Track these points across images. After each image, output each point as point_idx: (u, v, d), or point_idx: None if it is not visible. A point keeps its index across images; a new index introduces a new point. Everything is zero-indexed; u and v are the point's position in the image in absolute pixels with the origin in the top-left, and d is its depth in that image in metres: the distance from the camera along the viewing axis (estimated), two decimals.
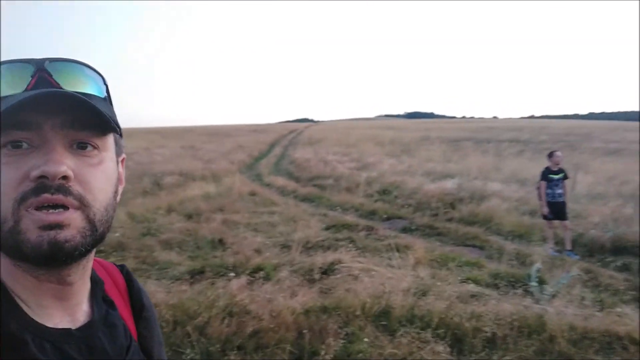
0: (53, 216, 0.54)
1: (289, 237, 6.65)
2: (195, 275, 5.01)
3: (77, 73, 0.61)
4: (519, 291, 4.57)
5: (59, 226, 0.54)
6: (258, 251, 5.95)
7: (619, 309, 4.14)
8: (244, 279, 4.54)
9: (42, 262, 0.55)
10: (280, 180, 13.74)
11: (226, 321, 3.60)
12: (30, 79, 0.57)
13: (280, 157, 23.09)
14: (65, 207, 0.55)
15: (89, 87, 0.62)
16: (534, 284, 4.61)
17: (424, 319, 3.81)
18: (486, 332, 3.59)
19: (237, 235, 6.87)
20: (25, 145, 0.55)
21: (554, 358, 3.38)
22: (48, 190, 0.53)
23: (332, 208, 9.44)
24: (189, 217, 8.16)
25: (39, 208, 0.54)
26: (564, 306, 4.06)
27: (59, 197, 0.54)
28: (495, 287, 4.83)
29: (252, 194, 10.96)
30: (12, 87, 0.56)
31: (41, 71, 0.58)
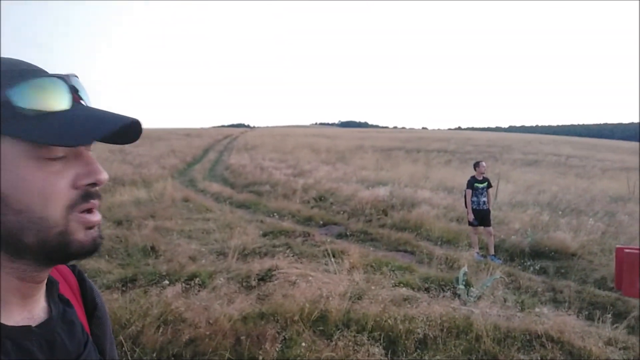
0: (95, 218, 0.63)
1: (225, 244, 6.56)
2: (127, 283, 4.82)
3: (83, 87, 0.66)
4: (448, 294, 4.80)
5: (97, 226, 0.64)
6: (193, 258, 5.82)
7: (537, 309, 4.46)
8: (178, 287, 4.42)
9: (83, 257, 0.63)
10: (215, 186, 13.51)
11: (161, 330, 3.51)
12: (69, 95, 0.60)
13: (215, 162, 22.69)
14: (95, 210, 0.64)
15: (88, 100, 0.67)
16: (461, 287, 4.85)
17: (360, 322, 3.91)
18: (418, 333, 3.74)
19: (170, 242, 6.68)
20: (60, 154, 0.59)
21: (480, 357, 3.59)
22: (93, 197, 0.62)
23: (269, 214, 9.43)
24: (119, 223, 7.83)
25: (82, 211, 0.61)
26: (489, 307, 4.32)
27: (97, 202, 0.63)
28: (426, 290, 5.04)
29: (186, 200, 10.70)
30: (61, 102, 0.59)
31: (72, 87, 0.62)
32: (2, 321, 0.59)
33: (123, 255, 6.08)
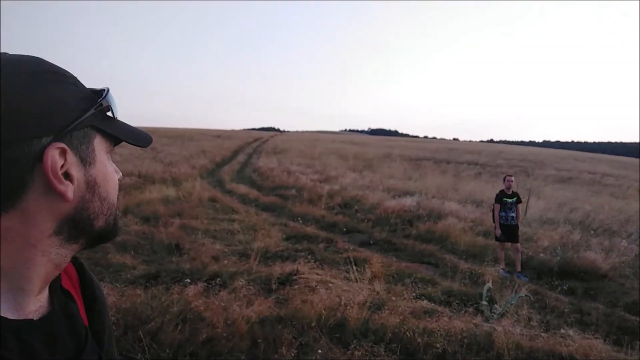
0: None
1: (248, 246, 6.61)
2: (150, 279, 4.91)
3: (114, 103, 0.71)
4: (470, 309, 4.70)
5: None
6: (216, 258, 5.88)
7: (563, 331, 4.31)
8: (200, 286, 4.47)
9: (110, 240, 0.71)
10: (242, 188, 13.64)
11: (179, 327, 3.55)
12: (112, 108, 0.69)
13: (244, 164, 22.92)
14: None
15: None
16: (484, 303, 4.75)
17: (378, 332, 3.86)
18: (437, 347, 3.67)
19: (194, 241, 6.77)
20: None
21: None
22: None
23: (293, 218, 9.45)
24: (146, 220, 7.98)
25: None
26: (512, 326, 4.20)
27: None
28: (448, 304, 4.95)
29: (213, 200, 10.83)
30: (116, 112, 0.69)
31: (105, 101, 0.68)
32: (10, 314, 0.58)
33: (148, 251, 6.20)
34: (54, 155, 0.57)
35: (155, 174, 13.82)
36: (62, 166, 0.59)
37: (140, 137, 0.73)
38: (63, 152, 0.59)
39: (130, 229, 7.10)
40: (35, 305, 0.64)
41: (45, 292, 0.67)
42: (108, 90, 0.68)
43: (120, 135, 0.69)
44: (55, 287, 0.70)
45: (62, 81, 0.62)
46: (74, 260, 0.81)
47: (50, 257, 0.61)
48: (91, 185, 0.64)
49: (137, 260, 5.67)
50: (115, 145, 0.71)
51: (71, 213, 0.62)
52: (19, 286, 0.60)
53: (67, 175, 0.60)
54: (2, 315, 0.58)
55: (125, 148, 21.75)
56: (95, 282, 0.82)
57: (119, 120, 0.70)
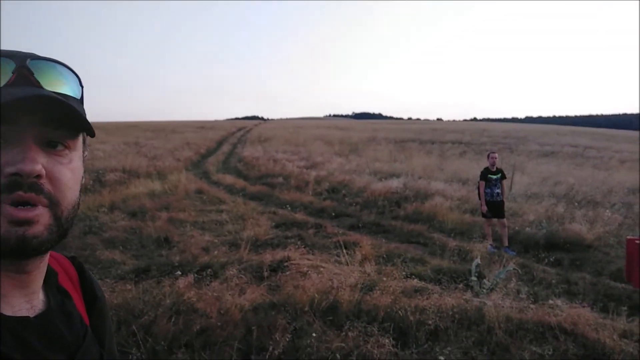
0: (24, 213, 0.55)
1: (237, 236, 6.61)
2: (140, 274, 4.89)
3: (57, 73, 0.63)
4: (460, 285, 4.78)
5: (27, 223, 0.56)
6: (205, 250, 5.87)
7: (551, 301, 4.40)
8: (190, 278, 4.47)
9: (8, 255, 0.57)
10: (229, 178, 13.59)
11: (173, 320, 3.55)
12: (11, 74, 0.58)
13: (229, 154, 22.79)
14: (34, 204, 0.56)
15: (67, 88, 0.63)
16: (473, 278, 4.82)
17: (371, 313, 3.91)
18: (429, 324, 3.72)
19: (183, 233, 6.75)
20: None
21: (492, 348, 3.57)
22: (21, 188, 0.55)
23: (282, 206, 9.45)
24: (133, 215, 7.93)
25: (9, 204, 0.55)
26: (501, 299, 4.28)
27: (31, 195, 0.56)
28: (438, 282, 5.02)
29: (200, 191, 10.78)
30: None
31: (22, 68, 0.59)
32: (2, 311, 0.58)
33: (137, 246, 6.16)
34: None
35: (140, 168, 13.69)
36: None
37: None
38: None
39: (118, 225, 7.04)
40: (31, 303, 0.64)
41: (40, 292, 0.67)
42: None
43: None
44: (52, 286, 0.69)
45: None
46: (73, 260, 0.81)
47: None
48: None
49: (126, 255, 5.64)
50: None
51: None
52: None
53: None
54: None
55: (107, 144, 21.50)
56: (95, 281, 0.82)
57: None
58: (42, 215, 0.57)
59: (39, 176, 0.56)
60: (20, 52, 0.61)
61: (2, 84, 0.57)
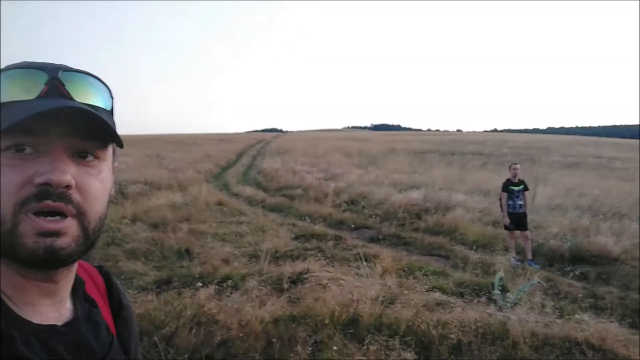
0: (52, 224, 0.56)
1: (257, 247, 6.61)
2: (162, 285, 4.93)
3: (88, 85, 0.64)
4: (483, 299, 4.69)
5: (56, 234, 0.56)
6: (226, 261, 5.89)
7: (577, 316, 4.29)
8: (211, 289, 4.48)
9: (36, 266, 0.57)
10: (249, 190, 13.67)
11: (194, 331, 3.56)
12: (44, 86, 0.59)
13: (248, 166, 22.96)
14: (63, 215, 0.57)
15: (98, 100, 0.64)
16: (497, 292, 4.73)
17: (392, 326, 3.86)
18: (452, 339, 3.66)
19: (204, 245, 6.79)
20: (28, 149, 0.56)
21: None
22: (50, 197, 0.56)
23: (301, 218, 9.45)
24: (155, 226, 8.01)
25: (38, 213, 0.56)
26: (526, 313, 4.19)
27: (60, 205, 0.56)
28: (460, 295, 4.93)
29: (220, 203, 10.85)
30: (26, 92, 0.58)
31: (54, 80, 0.60)
32: (29, 319, 0.59)
33: (159, 257, 6.22)
34: None
35: (161, 180, 13.85)
36: None
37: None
38: None
39: (140, 236, 7.12)
40: (59, 311, 0.65)
41: (67, 300, 0.68)
42: None
43: None
44: (79, 294, 0.70)
45: None
46: (101, 269, 0.82)
47: (6, 268, 0.59)
48: None
49: (148, 266, 5.69)
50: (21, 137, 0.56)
51: None
52: (7, 296, 0.59)
53: None
54: (27, 319, 0.59)
55: (129, 157, 21.87)
56: (121, 290, 0.83)
57: (20, 103, 0.57)
58: (70, 227, 0.58)
59: (68, 186, 0.57)
60: (52, 63, 0.62)
61: (35, 96, 0.58)
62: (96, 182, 0.61)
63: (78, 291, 0.70)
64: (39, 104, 0.56)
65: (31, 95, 0.58)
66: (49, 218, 0.56)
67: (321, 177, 15.63)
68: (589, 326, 3.95)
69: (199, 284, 4.81)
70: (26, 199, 0.55)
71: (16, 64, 0.61)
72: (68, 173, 0.56)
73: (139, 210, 9.23)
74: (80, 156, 0.60)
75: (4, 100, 0.57)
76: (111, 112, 0.68)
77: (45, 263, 0.57)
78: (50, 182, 0.55)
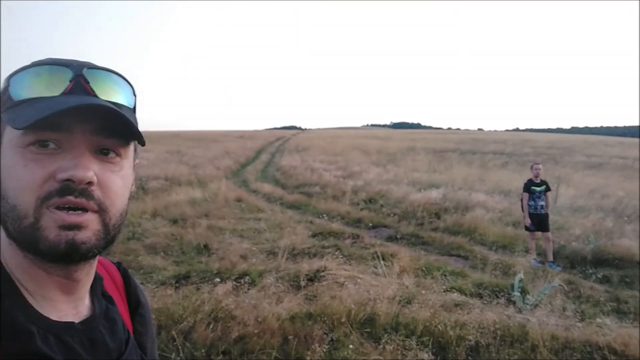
0: (74, 217, 0.57)
1: (275, 244, 6.64)
2: (181, 280, 4.98)
3: (112, 83, 0.64)
4: (502, 301, 4.63)
5: (77, 227, 0.57)
6: (244, 257, 5.93)
7: (599, 320, 4.20)
8: (229, 285, 4.52)
9: (57, 259, 0.58)
10: (267, 187, 13.72)
11: (211, 326, 3.59)
12: (68, 83, 0.60)
13: (267, 164, 23.06)
14: (84, 210, 0.58)
15: (121, 97, 0.65)
16: (516, 293, 4.66)
17: (409, 326, 3.84)
18: (470, 340, 3.62)
19: (222, 241, 6.85)
20: (52, 145, 0.57)
21: None
22: (72, 193, 0.56)
23: (319, 215, 9.45)
24: (174, 222, 8.10)
25: (59, 208, 0.56)
26: (546, 316, 4.12)
27: (82, 201, 0.57)
28: (479, 296, 4.88)
29: (239, 200, 10.92)
30: (50, 89, 0.59)
31: (78, 77, 0.61)
32: (47, 315, 0.60)
33: (178, 252, 6.29)
34: None
35: (181, 176, 14.02)
36: None
37: (20, 119, 0.55)
38: None
39: (160, 231, 7.21)
40: (77, 308, 0.66)
41: (86, 298, 0.68)
42: (9, 76, 0.60)
43: (6, 120, 0.58)
44: (97, 291, 0.71)
45: None
46: (119, 266, 0.83)
47: (29, 263, 0.60)
48: None
49: (167, 261, 5.77)
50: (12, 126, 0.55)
51: None
52: (27, 290, 0.60)
53: None
54: (45, 315, 0.60)
55: (150, 152, 22.17)
56: (139, 287, 0.84)
57: (44, 99, 0.58)
58: (91, 221, 0.58)
59: (90, 183, 0.57)
60: (76, 60, 0.63)
61: (59, 92, 0.59)
62: (118, 179, 0.62)
63: (96, 288, 0.71)
64: (64, 101, 0.57)
65: (56, 92, 0.59)
66: (70, 212, 0.57)
67: (339, 175, 15.60)
68: (611, 330, 3.87)
69: (217, 279, 4.86)
70: (48, 194, 0.56)
71: (41, 60, 0.61)
72: (91, 170, 0.57)
73: (159, 205, 9.35)
74: (103, 153, 0.61)
75: (29, 96, 0.58)
76: (134, 109, 0.68)
77: (67, 257, 0.57)
78: (73, 178, 0.56)
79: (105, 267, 0.79)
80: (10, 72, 0.61)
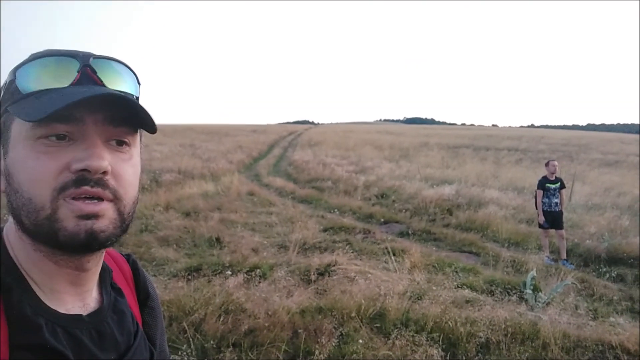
0: (91, 206, 0.57)
1: (286, 238, 6.67)
2: (192, 272, 5.02)
3: (118, 71, 0.64)
4: (514, 298, 4.59)
5: (95, 216, 0.57)
6: (255, 250, 5.96)
7: (612, 319, 4.15)
8: (240, 278, 4.55)
9: (76, 250, 0.58)
10: (279, 181, 13.75)
11: (222, 318, 3.62)
12: (76, 73, 0.60)
13: (280, 158, 23.10)
14: (100, 199, 0.58)
15: (127, 86, 0.65)
16: (528, 291, 4.63)
17: (419, 322, 3.83)
18: (480, 337, 3.60)
19: (234, 234, 6.89)
20: (64, 137, 0.57)
21: None
22: (88, 183, 0.56)
23: (330, 210, 9.46)
24: (187, 214, 8.17)
25: (76, 198, 0.56)
26: (558, 314, 4.08)
27: (98, 190, 0.57)
28: (490, 293, 4.84)
29: (251, 193, 10.97)
30: (59, 80, 0.59)
31: (86, 67, 0.61)
32: (55, 308, 0.61)
33: (190, 245, 6.35)
34: None
35: (195, 169, 14.11)
36: None
37: (32, 111, 0.54)
38: None
39: (172, 224, 7.28)
40: (84, 301, 0.66)
41: (94, 290, 0.68)
42: (15, 69, 0.60)
43: (14, 113, 0.57)
44: (106, 283, 0.71)
45: None
46: (128, 258, 0.83)
47: (40, 254, 0.60)
48: (7, 176, 0.58)
49: (179, 253, 5.82)
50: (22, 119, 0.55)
51: (8, 206, 0.59)
52: (36, 283, 0.61)
53: None
54: (53, 308, 0.60)
55: (164, 146, 22.32)
56: (148, 279, 0.84)
57: (54, 90, 0.58)
58: (107, 210, 0.58)
59: (105, 172, 0.58)
60: (80, 51, 0.62)
61: (68, 83, 0.59)
62: (129, 168, 0.62)
63: (105, 280, 0.71)
64: (75, 92, 0.56)
65: (64, 83, 0.59)
66: (87, 201, 0.57)
67: (351, 169, 15.58)
68: (625, 330, 3.82)
69: (229, 272, 4.89)
70: (64, 185, 0.56)
71: (44, 51, 0.61)
72: (105, 159, 0.57)
73: (172, 198, 9.43)
74: (118, 143, 0.61)
75: (37, 88, 0.58)
76: (138, 98, 0.68)
77: (86, 246, 0.57)
78: (89, 168, 0.56)
79: (114, 259, 0.79)
80: (13, 66, 0.61)
